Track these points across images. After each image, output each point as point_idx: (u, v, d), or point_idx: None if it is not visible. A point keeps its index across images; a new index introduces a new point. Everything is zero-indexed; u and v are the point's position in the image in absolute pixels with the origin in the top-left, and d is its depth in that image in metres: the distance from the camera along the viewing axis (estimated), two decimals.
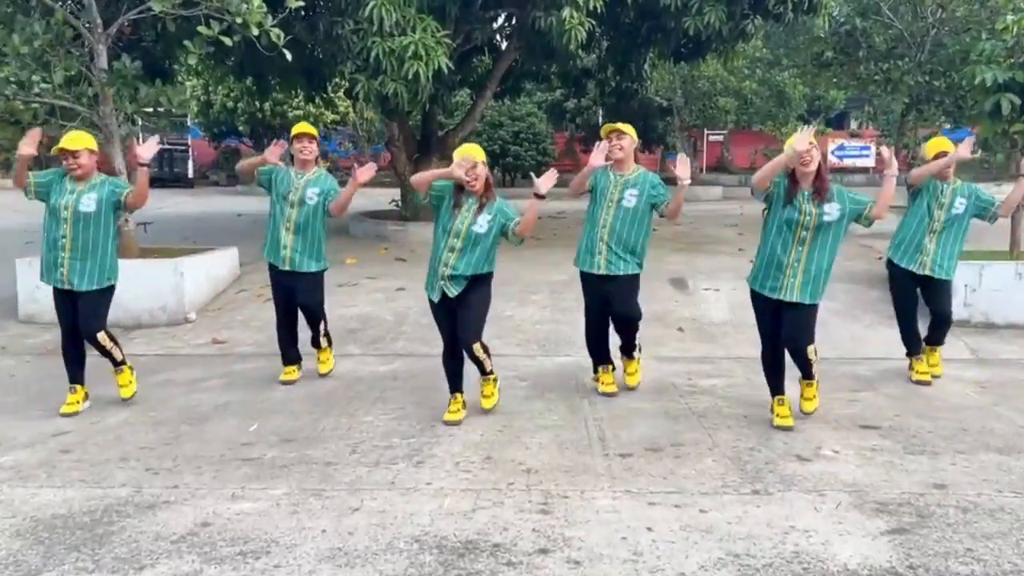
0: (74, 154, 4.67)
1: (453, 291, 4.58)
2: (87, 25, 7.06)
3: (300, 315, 5.55)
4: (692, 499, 3.60)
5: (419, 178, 4.71)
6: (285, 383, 5.50)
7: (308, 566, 3.01)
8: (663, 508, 3.50)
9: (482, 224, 4.53)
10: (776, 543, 3.18)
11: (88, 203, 4.71)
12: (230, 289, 8.14)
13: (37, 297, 7.20)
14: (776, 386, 4.68)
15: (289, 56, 6.99)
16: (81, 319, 4.84)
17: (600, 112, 20.39)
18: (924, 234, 5.35)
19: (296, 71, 10.21)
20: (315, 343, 5.62)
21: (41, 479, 3.87)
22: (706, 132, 25.87)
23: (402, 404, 5.03)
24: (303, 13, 8.29)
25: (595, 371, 5.33)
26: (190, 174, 24.69)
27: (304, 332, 5.63)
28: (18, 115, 7.87)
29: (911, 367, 5.61)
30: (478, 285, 4.63)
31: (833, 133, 25.75)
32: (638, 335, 5.30)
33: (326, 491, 3.70)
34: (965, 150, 5.29)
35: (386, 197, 13.75)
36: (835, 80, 14.22)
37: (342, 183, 5.47)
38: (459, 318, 4.64)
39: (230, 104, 21.52)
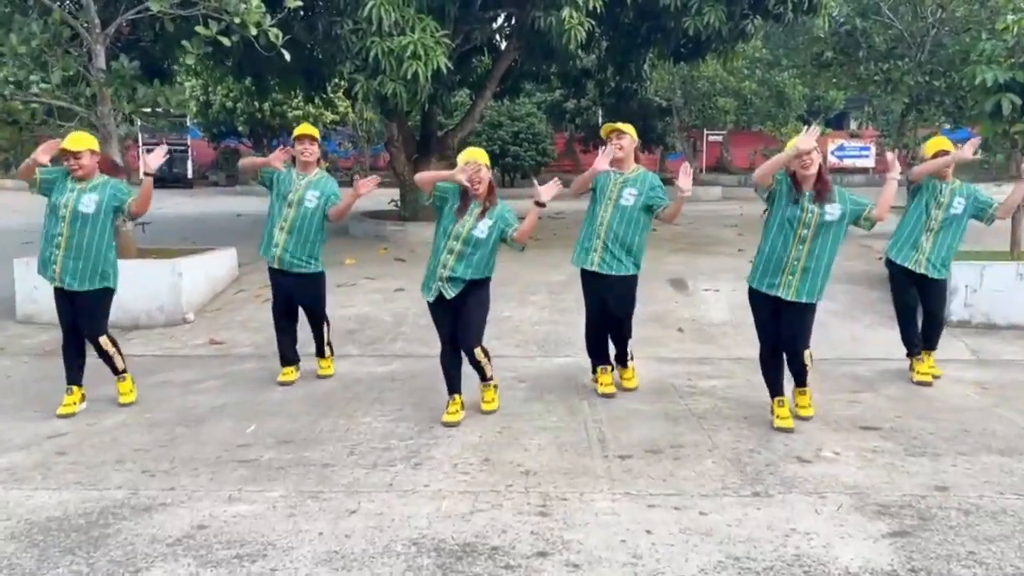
0: (76, 155, 4.68)
1: (450, 293, 4.57)
2: (85, 25, 7.04)
3: (299, 317, 5.55)
4: (692, 501, 3.57)
5: (422, 178, 4.71)
6: (283, 384, 5.47)
7: (305, 569, 2.98)
8: (663, 510, 3.48)
9: (483, 229, 4.53)
10: (777, 546, 3.16)
11: (88, 204, 4.71)
12: (228, 290, 8.12)
13: (35, 297, 7.18)
14: (775, 387, 4.66)
15: (288, 56, 6.97)
16: (80, 322, 4.85)
17: (600, 112, 20.39)
18: (921, 232, 5.36)
19: (295, 71, 10.19)
20: (319, 352, 5.64)
21: (36, 481, 3.84)
22: (706, 132, 25.84)
23: (400, 405, 5.01)
24: (302, 13, 8.27)
25: (593, 371, 5.31)
26: (189, 174, 24.66)
27: (303, 333, 5.61)
28: (16, 115, 7.84)
29: (912, 368, 5.60)
30: (476, 289, 4.63)
31: (833, 133, 25.73)
32: (631, 342, 5.28)
33: (323, 493, 3.67)
34: (968, 151, 5.28)
35: (385, 197, 13.70)
36: (835, 80, 14.19)
37: (342, 184, 5.45)
38: (459, 323, 4.64)
39: (229, 104, 21.49)
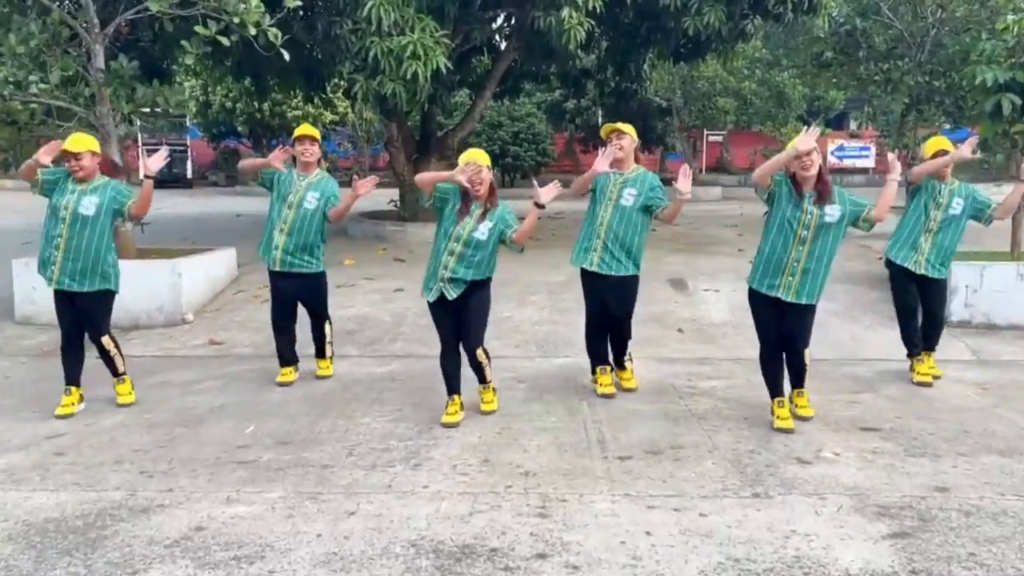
0: (76, 156, 4.69)
1: (452, 293, 4.57)
2: (84, 25, 7.03)
3: (298, 317, 5.54)
4: (692, 502, 3.56)
5: (422, 179, 4.71)
6: (282, 384, 5.46)
7: (303, 571, 2.97)
8: (662, 512, 3.47)
9: (483, 231, 4.54)
10: (777, 547, 3.15)
11: (88, 206, 4.71)
12: (228, 290, 8.10)
13: (34, 298, 7.17)
14: (775, 387, 4.66)
15: (287, 56, 6.96)
16: (82, 322, 4.86)
17: (600, 113, 20.38)
18: (920, 233, 5.38)
19: (294, 71, 10.18)
20: (319, 352, 5.63)
21: (34, 482, 3.83)
22: (705, 132, 25.84)
23: (399, 406, 5.00)
24: (301, 13, 8.26)
25: (593, 372, 5.30)
26: (189, 174, 24.66)
27: (302, 333, 5.61)
28: (15, 115, 7.83)
29: (912, 368, 5.59)
30: (477, 290, 4.64)
31: (833, 134, 25.72)
32: (630, 343, 5.27)
33: (322, 494, 3.66)
34: (966, 150, 5.28)
35: (385, 197, 13.70)
36: (835, 80, 14.19)
37: (342, 184, 5.44)
38: (461, 324, 4.65)
39: (229, 104, 21.48)
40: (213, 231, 12.12)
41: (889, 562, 3.03)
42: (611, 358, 5.31)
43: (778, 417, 4.57)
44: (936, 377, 5.56)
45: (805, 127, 4.47)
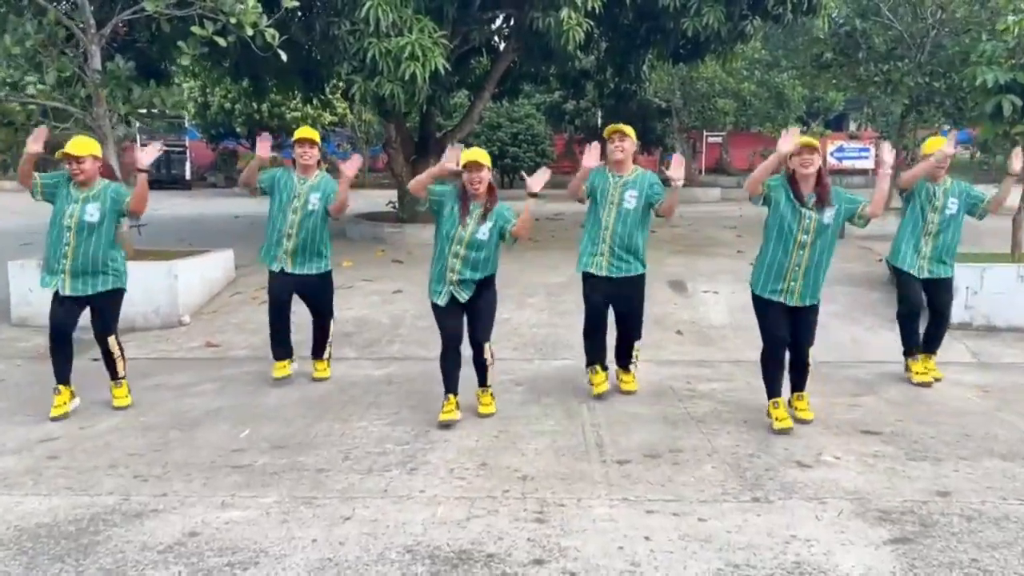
0: (78, 160, 4.67)
1: (464, 296, 4.62)
2: (80, 25, 7.00)
3: (294, 314, 5.49)
4: (691, 507, 3.53)
5: (415, 184, 4.70)
6: (279, 379, 5.42)
7: None
8: (661, 516, 3.43)
9: (484, 232, 4.56)
10: (777, 553, 3.11)
11: (92, 212, 4.72)
12: (225, 292, 8.07)
13: (30, 300, 7.13)
14: (774, 387, 4.64)
15: (285, 57, 6.92)
16: (93, 322, 4.90)
17: (599, 114, 20.34)
18: (920, 237, 5.39)
19: (293, 72, 10.15)
20: (317, 353, 5.59)
21: (27, 486, 3.80)
22: (705, 134, 25.80)
23: (397, 409, 4.96)
24: (299, 13, 8.23)
25: (587, 367, 5.24)
26: (187, 176, 24.62)
27: (298, 335, 5.57)
28: (12, 116, 7.81)
29: (908, 368, 5.57)
30: (486, 288, 4.69)
31: (832, 135, 25.70)
32: (638, 344, 5.24)
33: (317, 499, 3.62)
34: (950, 147, 5.25)
35: (383, 199, 13.69)
36: (834, 81, 14.14)
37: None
38: (471, 321, 4.70)
39: (227, 105, 21.43)
40: (211, 233, 12.08)
41: (890, 568, 3.00)
42: (614, 359, 5.27)
43: (776, 419, 4.54)
44: (937, 380, 5.53)
45: (784, 130, 4.48)
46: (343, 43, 8.41)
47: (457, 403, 4.70)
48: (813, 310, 4.57)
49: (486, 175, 4.56)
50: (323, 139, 6.00)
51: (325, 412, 4.90)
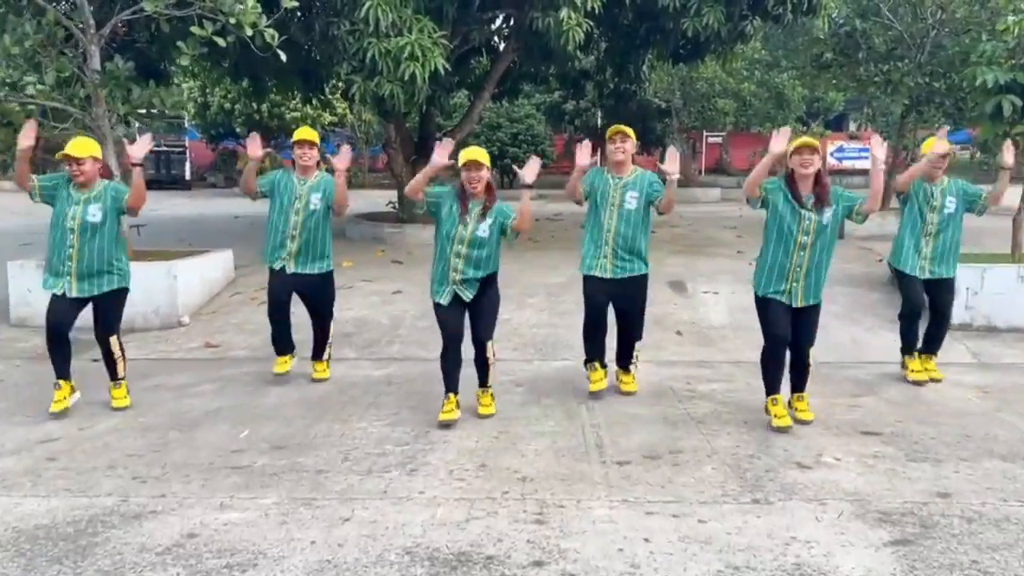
0: (79, 161, 4.67)
1: (468, 295, 4.63)
2: (80, 26, 6.98)
3: (294, 315, 5.49)
4: (691, 508, 3.52)
5: (411, 189, 4.72)
6: (279, 375, 5.43)
7: None
8: (661, 518, 3.43)
9: (485, 229, 4.58)
10: (777, 555, 3.10)
11: (95, 213, 4.72)
12: (224, 292, 8.06)
13: (29, 300, 7.13)
14: (773, 384, 4.66)
15: (284, 57, 6.91)
16: (96, 322, 4.90)
17: (599, 114, 20.33)
18: (920, 238, 5.39)
19: (292, 72, 10.14)
20: (317, 354, 5.58)
21: (25, 488, 3.79)
22: (705, 134, 25.81)
23: (396, 410, 4.95)
24: (298, 13, 8.22)
25: (586, 364, 5.23)
26: (187, 176, 24.62)
27: (299, 334, 5.56)
28: (10, 117, 7.80)
29: (904, 365, 5.58)
30: (488, 287, 4.70)
31: (832, 135, 25.70)
32: (639, 344, 5.24)
33: (316, 500, 3.62)
34: (940, 146, 5.23)
35: (383, 199, 13.68)
36: (834, 82, 14.14)
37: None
38: (473, 319, 4.71)
39: (227, 106, 21.44)
40: (210, 233, 12.07)
41: (891, 570, 2.99)
42: (615, 360, 5.27)
43: (775, 416, 4.55)
44: (937, 380, 5.53)
45: (775, 130, 4.49)
46: (343, 43, 8.40)
47: (457, 402, 4.70)
48: (815, 310, 4.58)
49: (485, 174, 4.56)
50: (323, 139, 6.00)
51: (324, 413, 4.89)
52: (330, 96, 15.74)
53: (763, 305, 4.62)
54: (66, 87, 7.17)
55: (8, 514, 3.49)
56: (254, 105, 19.91)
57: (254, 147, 5.21)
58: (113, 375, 5.01)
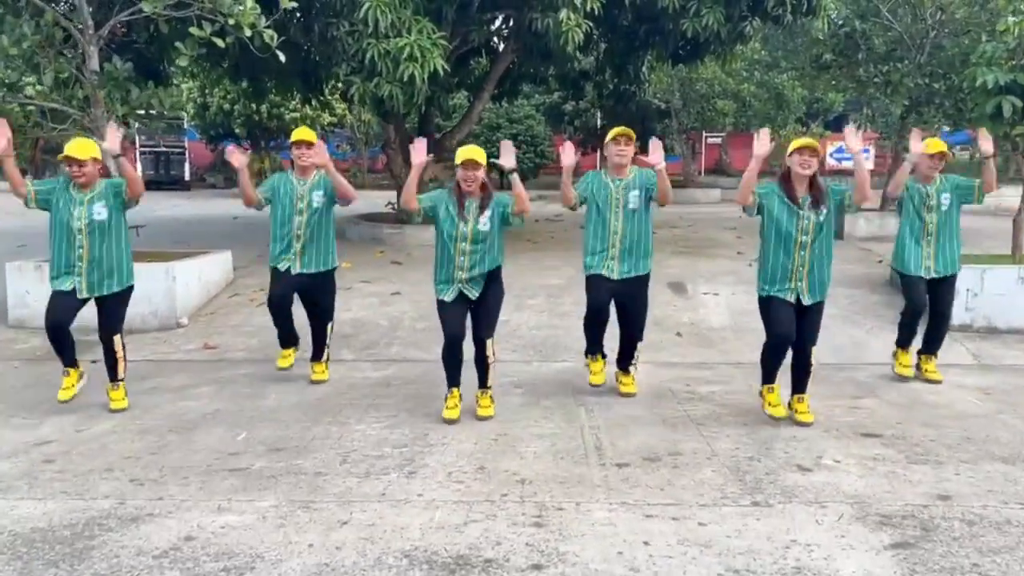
0: (80, 163, 4.66)
1: (474, 293, 4.64)
2: (78, 26, 6.97)
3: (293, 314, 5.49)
4: (690, 511, 3.50)
5: (404, 200, 4.79)
6: (282, 369, 5.47)
7: None
8: (660, 521, 3.41)
9: (485, 222, 4.60)
10: (777, 558, 3.09)
11: (100, 211, 4.73)
12: (223, 293, 8.04)
13: (27, 302, 7.11)
14: (771, 375, 4.69)
15: (283, 58, 6.90)
16: (101, 321, 4.90)
17: (598, 115, 20.33)
18: (920, 239, 5.39)
19: (291, 73, 10.14)
20: (316, 355, 5.58)
21: (22, 490, 3.77)
22: (704, 134, 25.79)
23: (395, 411, 4.93)
24: (298, 14, 8.22)
25: (587, 355, 5.21)
26: (186, 176, 24.59)
27: (300, 335, 5.55)
28: (9, 117, 7.77)
29: (894, 356, 5.61)
30: (493, 283, 4.70)
31: (832, 136, 25.69)
32: (640, 344, 5.22)
33: (314, 503, 3.60)
34: (915, 144, 5.23)
35: (382, 200, 13.66)
36: (834, 82, 14.16)
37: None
38: (476, 316, 4.71)
39: (227, 106, 21.39)
40: (209, 234, 12.04)
41: (891, 573, 2.97)
42: (615, 361, 5.26)
43: (769, 403, 4.62)
44: (937, 382, 5.52)
45: (759, 130, 4.49)
46: (342, 44, 8.40)
47: (460, 396, 4.70)
48: (818, 309, 4.60)
49: (481, 173, 4.56)
50: (322, 139, 5.97)
51: (323, 415, 4.88)
52: (329, 97, 15.74)
53: (767, 304, 4.61)
54: (65, 88, 7.16)
55: (4, 517, 3.47)
56: (253, 106, 19.87)
57: (235, 159, 5.19)
58: (113, 376, 5.00)
